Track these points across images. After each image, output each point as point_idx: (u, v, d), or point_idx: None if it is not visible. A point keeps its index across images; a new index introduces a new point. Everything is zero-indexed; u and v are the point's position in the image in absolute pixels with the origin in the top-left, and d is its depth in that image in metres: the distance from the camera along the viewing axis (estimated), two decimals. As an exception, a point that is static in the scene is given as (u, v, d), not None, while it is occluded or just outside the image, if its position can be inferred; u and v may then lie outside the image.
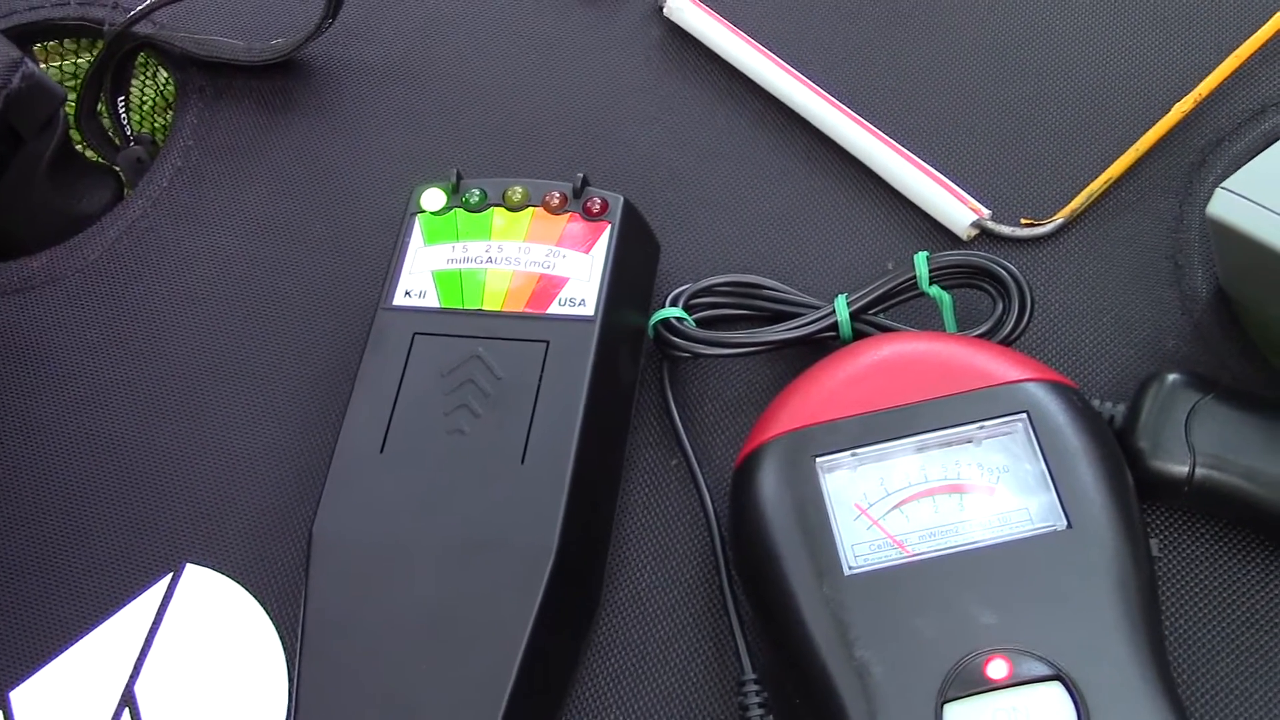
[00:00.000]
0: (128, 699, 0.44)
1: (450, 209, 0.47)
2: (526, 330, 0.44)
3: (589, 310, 0.44)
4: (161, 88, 0.64)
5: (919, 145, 0.51)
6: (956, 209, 0.49)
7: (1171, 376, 0.43)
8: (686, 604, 0.44)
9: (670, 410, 0.47)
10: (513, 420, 0.42)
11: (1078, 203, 0.49)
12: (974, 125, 0.53)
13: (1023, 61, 0.54)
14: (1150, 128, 0.50)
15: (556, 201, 0.47)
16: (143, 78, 0.63)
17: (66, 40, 0.64)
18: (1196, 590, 0.42)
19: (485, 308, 0.45)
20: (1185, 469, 0.41)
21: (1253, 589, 0.42)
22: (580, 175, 0.47)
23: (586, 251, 0.46)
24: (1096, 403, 0.43)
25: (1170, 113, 0.50)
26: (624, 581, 0.44)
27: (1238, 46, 0.51)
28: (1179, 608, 0.42)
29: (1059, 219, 0.49)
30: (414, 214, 0.47)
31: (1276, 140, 0.41)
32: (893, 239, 0.50)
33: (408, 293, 0.45)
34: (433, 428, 0.42)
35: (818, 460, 0.40)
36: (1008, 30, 0.55)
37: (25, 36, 0.62)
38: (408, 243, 0.47)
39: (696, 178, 0.53)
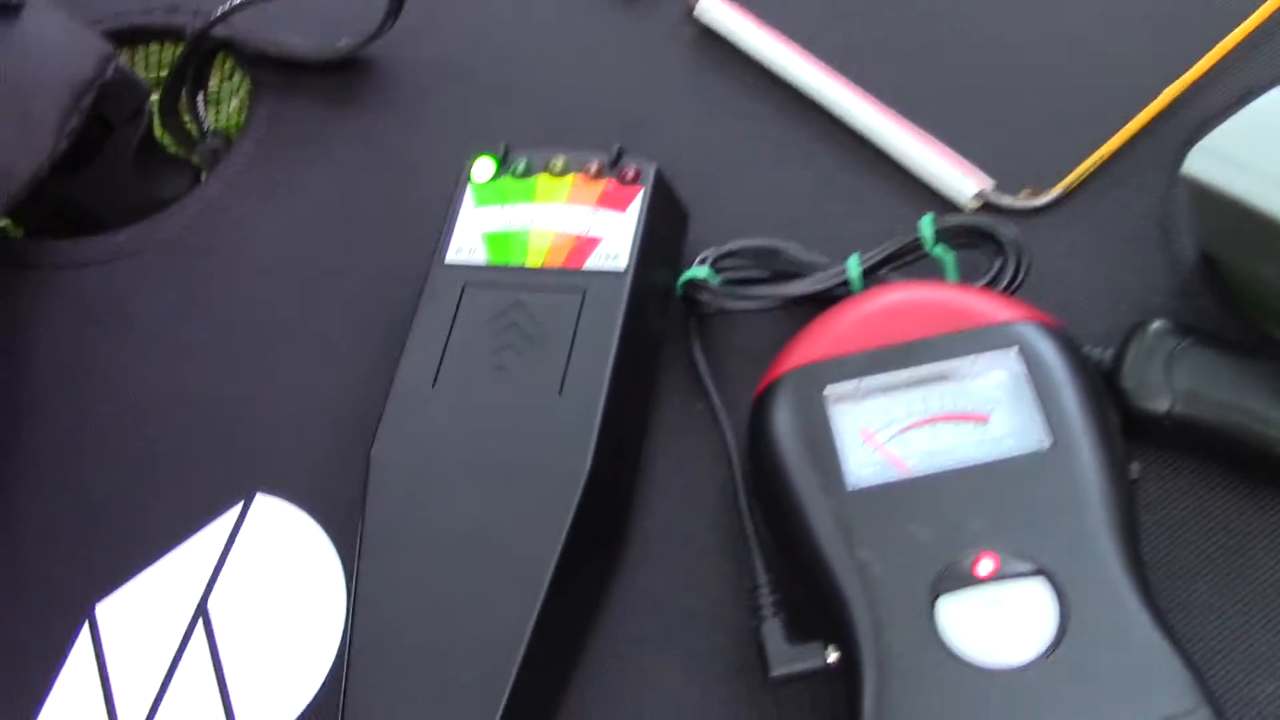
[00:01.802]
0: (202, 611, 0.49)
1: (499, 177, 0.52)
2: (565, 282, 0.49)
3: (621, 265, 0.49)
4: (237, 87, 0.70)
5: (929, 125, 0.56)
6: (962, 180, 0.54)
7: (1155, 324, 0.46)
8: (710, 530, 0.48)
9: (696, 359, 0.51)
10: (551, 359, 0.47)
11: (1074, 176, 0.53)
12: (980, 108, 0.57)
13: (1025, 51, 0.59)
14: (1143, 109, 0.54)
15: (595, 169, 0.52)
16: (220, 77, 0.69)
17: (153, 44, 0.70)
18: (1177, 518, 0.45)
19: (528, 264, 0.49)
20: (1165, 405, 0.45)
21: (1229, 517, 0.45)
22: (617, 146, 0.52)
23: (621, 212, 0.50)
24: (1086, 348, 0.47)
25: (1162, 95, 0.54)
26: (653, 511, 0.49)
27: (1225, 35, 0.55)
28: (1161, 534, 0.45)
29: (1057, 191, 0.53)
30: (466, 181, 0.52)
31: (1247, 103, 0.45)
32: (903, 209, 0.54)
33: (459, 250, 0.50)
34: (479, 365, 0.47)
35: (826, 390, 0.44)
36: (1012, 22, 0.60)
37: (114, 39, 0.68)
38: (459, 207, 0.52)
39: (724, 160, 0.58)
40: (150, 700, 0.47)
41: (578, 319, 0.47)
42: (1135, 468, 0.43)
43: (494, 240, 0.50)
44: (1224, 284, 0.50)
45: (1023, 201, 0.53)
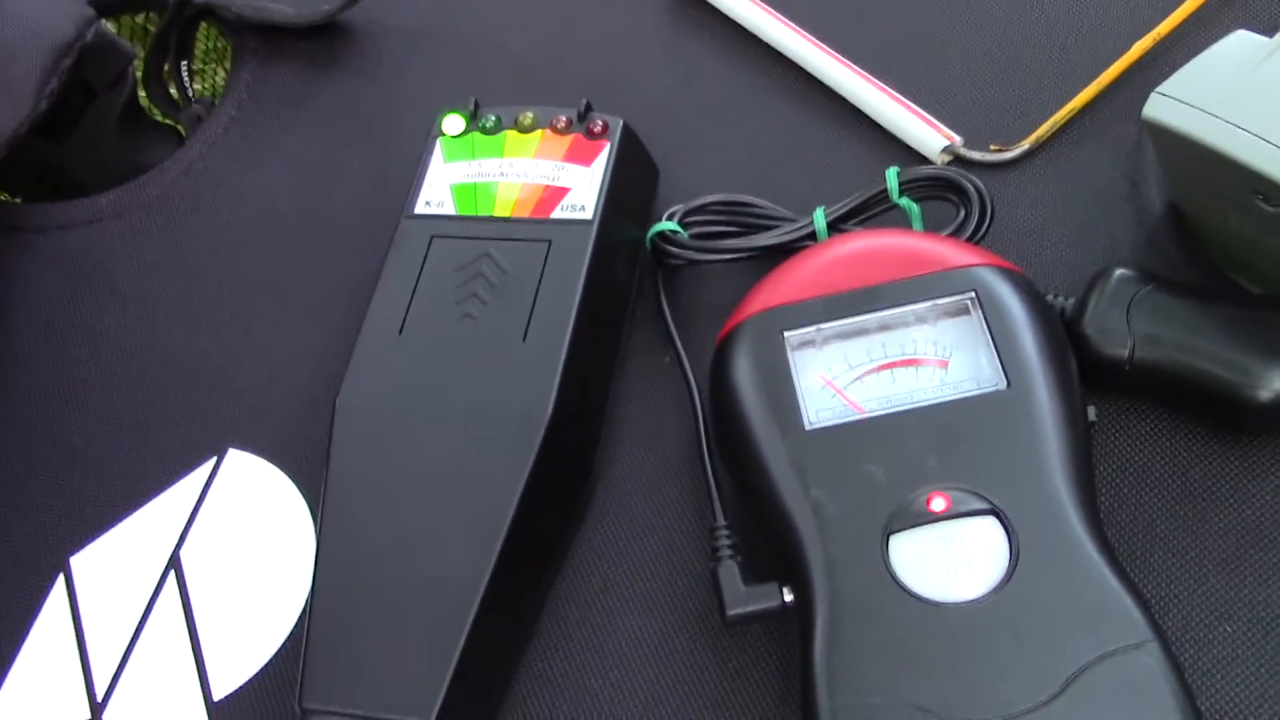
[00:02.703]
0: (174, 563, 0.49)
1: (468, 132, 0.53)
2: (531, 232, 0.49)
3: (588, 215, 0.49)
4: (222, 54, 0.71)
5: (900, 84, 0.56)
6: (930, 135, 0.54)
7: (1118, 271, 0.46)
8: (674, 479, 0.48)
9: (664, 311, 0.51)
10: (516, 306, 0.47)
11: (1043, 130, 0.54)
12: (950, 66, 0.57)
13: (995, 9, 0.59)
14: (1111, 64, 0.54)
15: (563, 124, 0.52)
16: (205, 44, 0.69)
17: (139, 14, 0.71)
18: (1138, 464, 0.45)
19: (496, 214, 0.50)
20: (1125, 350, 0.45)
21: (1189, 463, 0.45)
22: (584, 101, 0.52)
23: (587, 165, 0.51)
24: (1049, 297, 0.47)
25: (1131, 50, 0.54)
26: (619, 460, 0.49)
27: (1198, -12, 0.55)
28: (1122, 479, 0.45)
29: (1025, 145, 0.53)
30: (435, 137, 0.53)
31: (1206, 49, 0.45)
32: (874, 166, 0.54)
33: (428, 203, 0.51)
34: (445, 313, 0.47)
35: (786, 334, 0.44)
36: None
37: (100, 8, 0.68)
38: (429, 161, 0.52)
39: (697, 119, 0.58)
40: (122, 648, 0.48)
41: (543, 267, 0.48)
42: (1092, 411, 0.43)
43: (462, 192, 0.51)
44: (1191, 234, 0.50)
45: (991, 155, 0.54)
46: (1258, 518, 0.44)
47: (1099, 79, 0.54)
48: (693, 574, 0.46)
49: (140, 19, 0.71)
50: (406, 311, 0.48)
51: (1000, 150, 0.54)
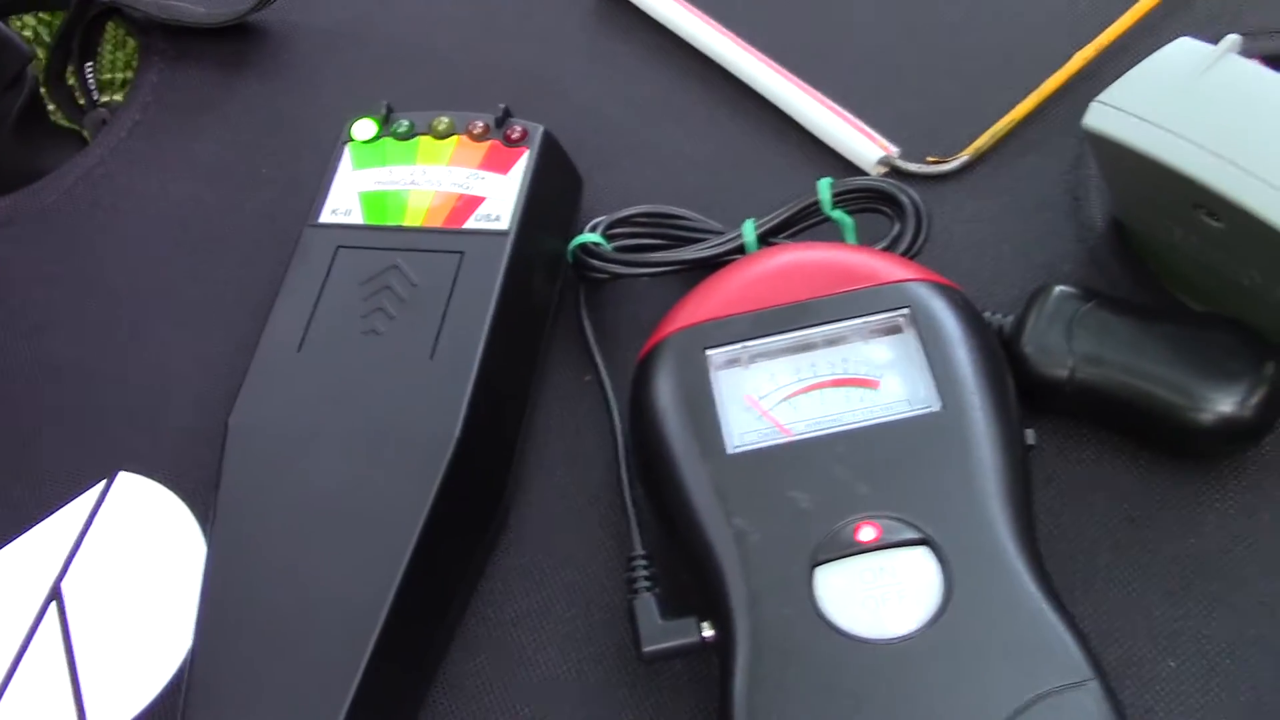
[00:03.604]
0: (55, 593, 0.46)
1: (380, 138, 0.50)
2: (443, 243, 0.46)
3: (503, 225, 0.46)
4: (129, 57, 0.67)
5: (835, 93, 0.54)
6: (866, 146, 0.52)
7: (1057, 289, 0.44)
8: (592, 505, 0.45)
9: (584, 328, 0.49)
10: (425, 321, 0.44)
11: (982, 141, 0.52)
12: (887, 76, 0.55)
13: (934, 17, 0.57)
14: (1052, 75, 0.52)
15: (479, 130, 0.49)
16: (112, 45, 0.66)
17: (42, 15, 0.67)
18: (1079, 490, 0.43)
19: (406, 224, 0.47)
20: (1066, 370, 0.43)
21: (1131, 489, 0.43)
22: (502, 106, 0.49)
23: (504, 173, 0.48)
24: (987, 314, 0.44)
25: (1073, 59, 0.53)
26: (534, 485, 0.46)
27: (1137, 1, 0.54)
28: (1063, 505, 0.43)
29: (964, 156, 0.51)
30: (345, 142, 0.50)
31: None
32: (808, 177, 0.52)
33: (334, 210, 0.48)
34: (349, 329, 0.44)
35: (708, 352, 0.42)
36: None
37: (8, 8, 0.65)
38: (337, 167, 0.49)
39: (625, 127, 0.56)
40: (-6, 687, 0.44)
41: (454, 280, 0.45)
42: (1031, 434, 0.40)
43: (371, 200, 0.48)
44: (1134, 251, 0.48)
45: (928, 168, 0.51)
46: (1203, 547, 0.41)
47: (1040, 89, 0.52)
48: (610, 606, 0.43)
49: (45, 18, 0.67)
50: (307, 326, 0.45)
51: (938, 162, 0.52)
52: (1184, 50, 0.43)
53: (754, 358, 0.42)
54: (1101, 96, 0.42)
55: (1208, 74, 0.42)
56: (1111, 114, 0.42)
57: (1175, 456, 0.43)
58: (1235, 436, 0.41)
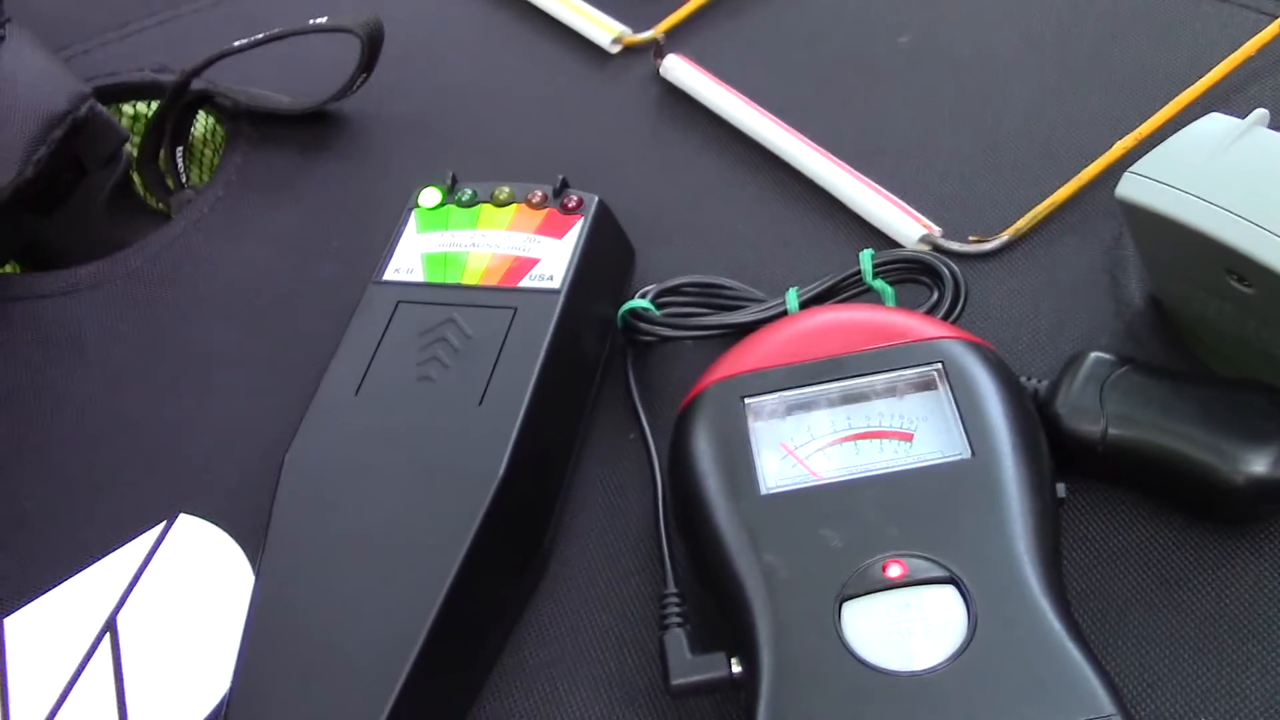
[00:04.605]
0: (110, 626, 0.48)
1: (444, 205, 0.53)
2: (498, 299, 0.48)
3: (556, 284, 0.48)
4: (219, 145, 0.71)
5: (880, 177, 0.56)
6: (909, 225, 0.53)
7: (1092, 354, 0.45)
8: (632, 554, 0.46)
9: (630, 388, 0.50)
10: (476, 370, 0.46)
11: (1023, 223, 0.53)
12: (932, 160, 0.57)
13: (979, 109, 0.59)
14: (1093, 162, 0.54)
15: (538, 199, 0.52)
16: (204, 132, 0.70)
17: (140, 102, 0.72)
18: (1113, 551, 0.43)
19: (464, 282, 0.49)
20: (1098, 429, 0.43)
21: (1165, 550, 0.43)
22: (560, 177, 0.52)
23: (559, 238, 0.50)
24: (1023, 379, 0.45)
25: (1113, 148, 0.54)
26: (575, 535, 0.47)
27: (1179, 93, 0.55)
28: (1096, 565, 0.43)
29: (1005, 236, 0.53)
30: (411, 208, 0.53)
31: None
32: (852, 253, 0.53)
33: (397, 269, 0.50)
34: (404, 375, 0.46)
35: (746, 401, 0.43)
36: (966, 82, 0.60)
37: (106, 97, 0.69)
38: (402, 231, 0.52)
39: (679, 206, 0.58)
40: (46, 712, 0.46)
41: (506, 334, 0.47)
42: (1062, 488, 0.41)
43: (432, 260, 0.50)
44: (1171, 327, 0.49)
45: (969, 246, 0.53)
46: (1236, 608, 0.41)
47: (1080, 175, 0.54)
48: (644, 650, 0.44)
49: (142, 107, 0.72)
50: (365, 373, 0.47)
51: (979, 241, 0.53)
52: (1214, 124, 0.44)
53: (791, 409, 0.43)
54: (1134, 167, 0.44)
55: (1237, 145, 0.43)
56: (1144, 183, 0.44)
57: (1209, 518, 0.43)
58: (1268, 497, 0.42)
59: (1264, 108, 0.43)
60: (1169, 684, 0.40)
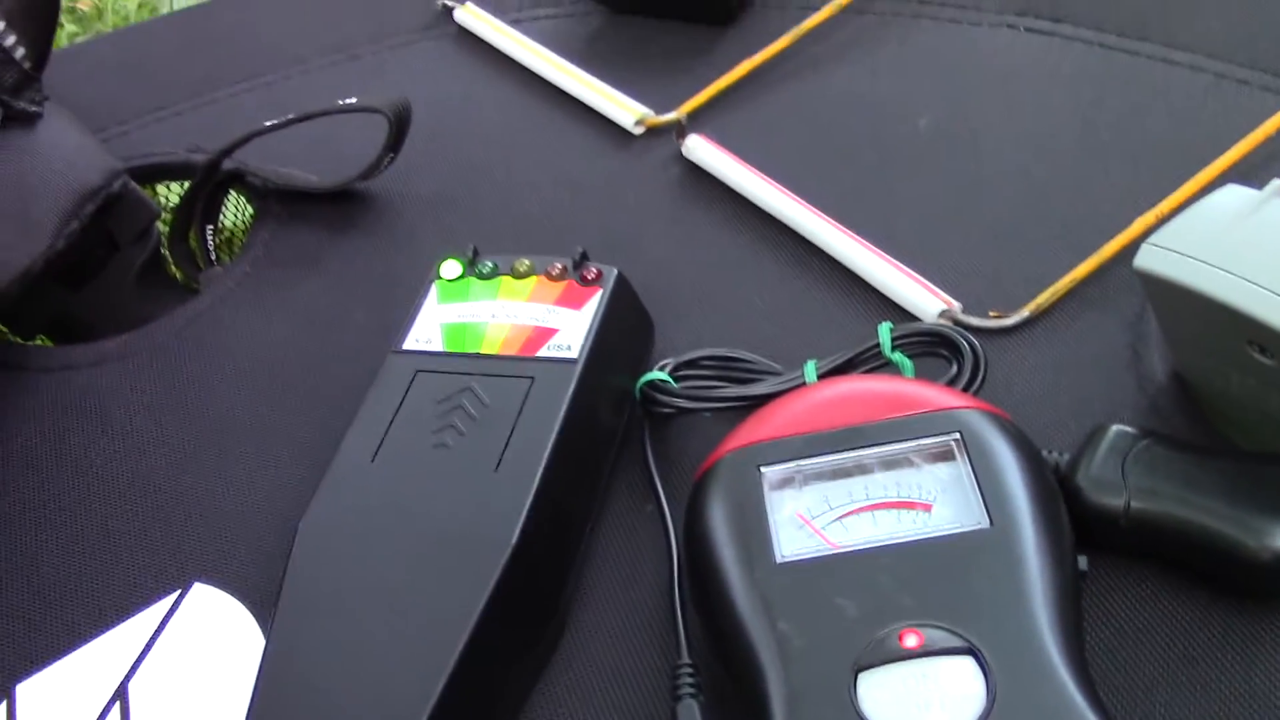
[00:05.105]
0: (120, 694, 0.47)
1: (465, 277, 0.53)
2: (515, 369, 0.48)
3: (573, 354, 0.49)
4: (246, 224, 0.72)
5: (899, 253, 0.56)
6: (927, 300, 0.53)
7: (1114, 427, 0.45)
8: (646, 628, 0.46)
9: (648, 459, 0.50)
10: (492, 437, 0.46)
11: (1044, 298, 0.53)
12: (951, 237, 0.57)
13: (999, 188, 0.59)
14: (1114, 237, 0.54)
15: (557, 271, 0.52)
16: (235, 211, 0.71)
17: (174, 182, 0.73)
18: (1138, 627, 0.43)
19: (483, 351, 0.50)
20: (1121, 502, 0.43)
21: (1191, 626, 0.42)
22: (580, 250, 0.52)
23: (578, 309, 0.50)
24: (1045, 452, 0.45)
25: (1134, 225, 0.54)
26: (590, 606, 0.47)
27: (1199, 170, 0.56)
28: (1120, 643, 0.42)
29: (1025, 312, 0.53)
30: (432, 280, 0.53)
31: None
32: (869, 327, 0.53)
33: (416, 339, 0.51)
34: (421, 442, 0.47)
35: (763, 470, 0.43)
36: (986, 162, 0.61)
37: (140, 177, 0.71)
38: (423, 302, 0.52)
39: (698, 281, 0.58)
40: (54, 779, 0.45)
41: (524, 402, 0.47)
42: (1083, 560, 0.40)
43: (451, 330, 0.51)
44: (1195, 404, 0.49)
45: (989, 322, 0.53)
46: (1265, 686, 0.40)
47: (1100, 251, 0.54)
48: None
49: (176, 187, 0.73)
50: (382, 440, 0.47)
51: (999, 317, 0.53)
52: (1232, 195, 0.44)
53: (807, 479, 0.43)
54: (1152, 238, 0.44)
55: (1255, 215, 0.43)
56: (1162, 254, 0.43)
57: (1235, 595, 0.42)
58: (1295, 572, 0.41)
59: (1282, 180, 0.43)
60: (1196, 763, 0.39)
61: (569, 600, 0.47)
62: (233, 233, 0.73)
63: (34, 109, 0.60)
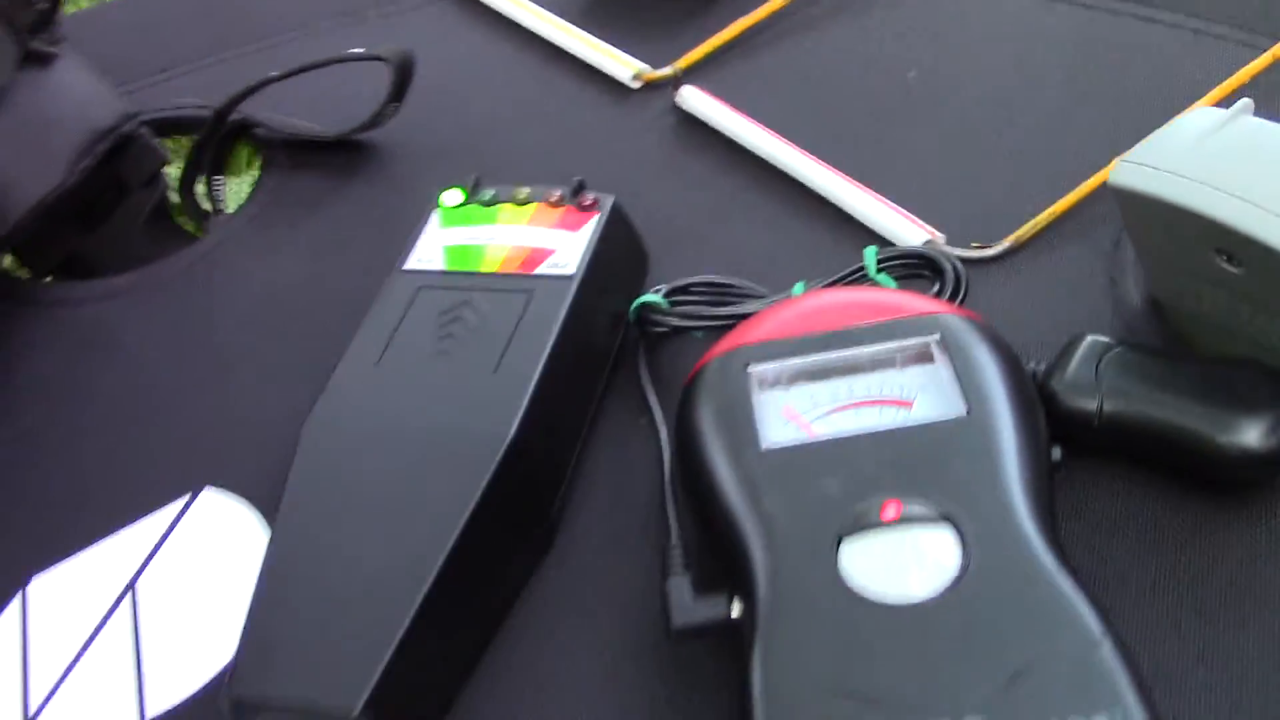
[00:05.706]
0: (130, 589, 0.49)
1: (466, 204, 0.55)
2: (514, 284, 0.50)
3: (569, 271, 0.50)
4: (254, 175, 0.74)
5: (886, 189, 0.58)
6: (912, 231, 0.55)
7: (1090, 336, 0.47)
8: (639, 531, 0.47)
9: (642, 375, 0.52)
10: (491, 344, 0.48)
11: (1024, 230, 0.55)
12: (936, 174, 0.59)
13: (983, 132, 0.61)
14: (1094, 175, 0.56)
15: (556, 198, 0.54)
16: (243, 162, 0.73)
17: (185, 136, 0.75)
18: (1110, 521, 0.45)
19: (483, 270, 0.51)
20: (1094, 403, 0.45)
21: (1162, 517, 0.44)
22: (577, 179, 0.54)
23: (575, 231, 0.52)
24: (1023, 362, 0.47)
25: (1112, 163, 0.56)
26: (587, 509, 0.48)
27: (1181, 110, 0.57)
28: (1094, 535, 0.44)
29: (1006, 243, 0.55)
30: (434, 207, 0.55)
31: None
32: (857, 257, 0.55)
33: (419, 260, 0.53)
34: (422, 350, 0.48)
35: (750, 369, 0.45)
36: (972, 110, 0.63)
37: (156, 128, 0.72)
38: (425, 227, 0.54)
39: (694, 223, 0.60)
40: (65, 664, 0.47)
41: (522, 314, 0.49)
42: (1057, 451, 0.42)
43: (452, 251, 0.52)
44: (1170, 328, 0.50)
45: (972, 252, 0.55)
46: (1232, 571, 0.42)
47: (1079, 188, 0.56)
48: (647, 613, 0.44)
49: (185, 140, 0.75)
50: (385, 349, 0.49)
51: (981, 247, 0.55)
52: (1201, 115, 0.46)
53: (794, 378, 0.45)
54: (1126, 155, 0.46)
55: (1221, 131, 0.45)
56: (1135, 168, 0.45)
57: (1204, 487, 0.44)
58: (1262, 463, 0.42)
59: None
60: (1167, 640, 0.41)
61: (563, 503, 0.48)
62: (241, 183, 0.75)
63: (51, 49, 0.61)
